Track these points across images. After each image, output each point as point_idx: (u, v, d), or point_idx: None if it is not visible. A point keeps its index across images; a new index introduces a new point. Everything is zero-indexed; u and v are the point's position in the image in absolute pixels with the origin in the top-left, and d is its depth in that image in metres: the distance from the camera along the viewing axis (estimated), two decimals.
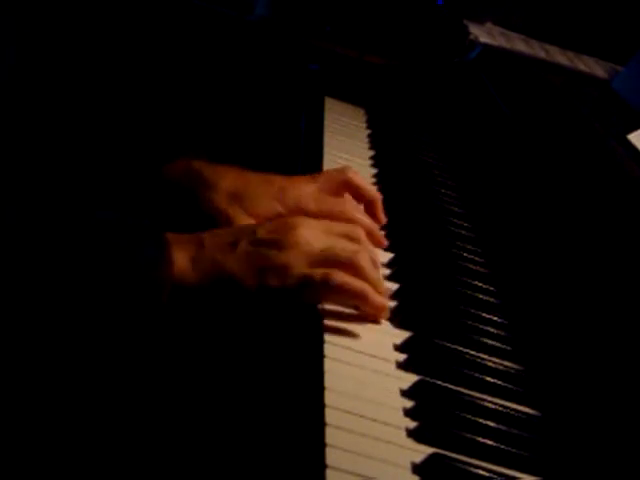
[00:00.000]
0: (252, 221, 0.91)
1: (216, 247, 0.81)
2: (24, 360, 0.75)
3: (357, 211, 0.95)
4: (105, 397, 0.82)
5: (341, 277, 0.81)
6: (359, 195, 0.98)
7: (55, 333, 0.74)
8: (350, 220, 0.93)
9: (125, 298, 0.75)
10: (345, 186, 0.97)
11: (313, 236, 0.83)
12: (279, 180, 0.95)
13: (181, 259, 0.79)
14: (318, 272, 0.80)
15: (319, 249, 0.82)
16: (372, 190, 1.00)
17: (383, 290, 0.85)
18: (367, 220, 0.95)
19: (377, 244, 0.95)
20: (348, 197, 0.97)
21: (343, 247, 0.84)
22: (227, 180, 0.93)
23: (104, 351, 0.78)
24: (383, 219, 0.99)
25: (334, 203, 0.94)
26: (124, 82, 1.32)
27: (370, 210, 0.98)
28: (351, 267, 0.82)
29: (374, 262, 0.86)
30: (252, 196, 0.92)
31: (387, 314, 0.84)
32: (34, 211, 0.78)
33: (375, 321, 0.84)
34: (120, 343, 0.78)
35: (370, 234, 0.93)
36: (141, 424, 0.83)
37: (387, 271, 0.94)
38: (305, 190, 0.94)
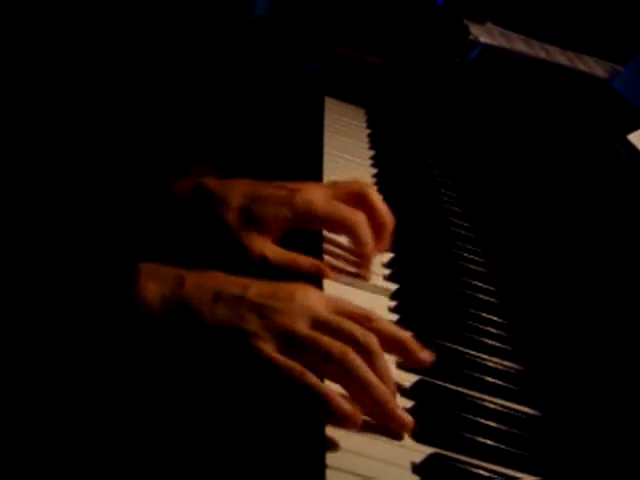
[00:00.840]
0: (263, 240, 0.88)
1: (196, 292, 0.74)
2: None
3: (363, 225, 0.90)
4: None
5: (306, 377, 0.70)
6: (372, 214, 0.92)
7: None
8: (352, 229, 0.89)
9: (90, 325, 0.72)
10: (359, 199, 0.92)
11: (305, 311, 0.73)
12: (291, 185, 0.91)
13: (151, 294, 0.73)
14: (283, 362, 0.70)
15: (304, 329, 0.72)
16: (388, 213, 0.93)
17: (377, 394, 0.71)
18: (386, 212, 0.92)
19: (364, 270, 0.91)
20: (358, 212, 0.91)
21: (340, 330, 0.73)
22: (237, 195, 0.89)
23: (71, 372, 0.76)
24: (387, 246, 0.94)
25: (347, 211, 0.89)
26: (124, 82, 1.32)
27: (378, 233, 0.92)
28: (334, 362, 0.71)
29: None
30: (261, 206, 0.89)
31: (406, 427, 0.72)
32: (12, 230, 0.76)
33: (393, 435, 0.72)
34: (89, 367, 0.75)
35: (380, 228, 0.90)
36: (140, 427, 0.83)
37: (387, 271, 0.94)
38: (317, 193, 0.90)
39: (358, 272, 0.91)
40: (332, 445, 0.68)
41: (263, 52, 1.48)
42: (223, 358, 0.73)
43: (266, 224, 0.89)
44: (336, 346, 0.71)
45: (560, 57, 1.50)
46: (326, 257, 0.93)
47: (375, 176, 1.17)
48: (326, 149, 1.18)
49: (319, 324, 0.73)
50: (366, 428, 0.71)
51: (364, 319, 0.76)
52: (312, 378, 0.70)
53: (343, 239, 0.94)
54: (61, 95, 1.16)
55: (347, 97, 1.40)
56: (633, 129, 1.10)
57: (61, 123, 1.10)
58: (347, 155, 1.20)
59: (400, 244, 0.99)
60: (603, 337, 0.83)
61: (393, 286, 0.91)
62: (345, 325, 0.73)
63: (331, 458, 0.67)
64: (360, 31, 1.52)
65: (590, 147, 1.11)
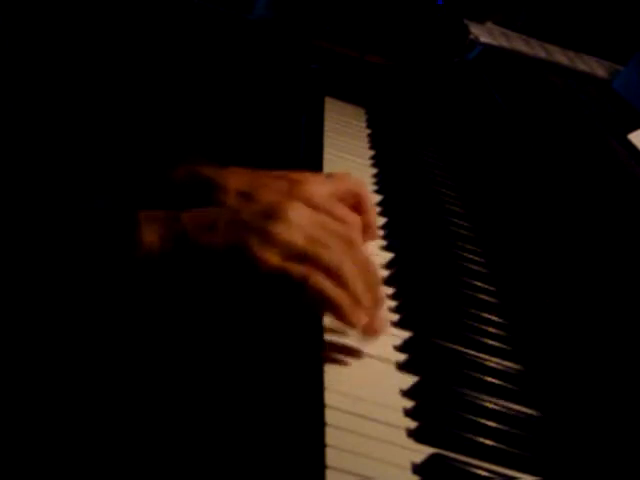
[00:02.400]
0: None
1: (192, 224, 0.77)
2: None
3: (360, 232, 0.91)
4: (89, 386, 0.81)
5: (320, 282, 0.75)
6: (364, 214, 0.94)
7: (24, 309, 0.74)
8: (362, 200, 0.93)
9: (97, 278, 0.75)
10: (355, 198, 0.94)
11: (300, 223, 0.78)
12: (289, 175, 0.93)
13: (150, 235, 0.76)
14: (295, 268, 0.75)
15: (303, 241, 0.77)
16: (373, 214, 0.96)
17: (369, 305, 0.78)
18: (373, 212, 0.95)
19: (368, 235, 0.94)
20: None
21: (332, 246, 0.78)
22: (236, 181, 0.91)
23: (82, 333, 0.77)
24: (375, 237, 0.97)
25: (343, 212, 0.90)
26: (124, 82, 1.32)
27: (366, 232, 0.94)
28: (333, 273, 0.76)
29: (372, 275, 0.80)
30: (261, 192, 0.90)
31: (374, 330, 0.79)
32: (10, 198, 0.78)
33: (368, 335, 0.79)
34: (100, 325, 0.77)
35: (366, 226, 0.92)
36: (138, 422, 0.83)
37: (387, 271, 0.94)
38: (318, 189, 0.91)
39: None
40: (332, 445, 0.68)
41: (263, 52, 1.48)
42: (231, 280, 0.76)
43: None
44: (335, 257, 0.77)
45: (560, 57, 1.50)
46: None
47: (375, 176, 1.17)
48: (326, 149, 1.18)
49: (313, 237, 0.78)
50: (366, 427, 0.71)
51: (346, 240, 0.80)
52: (326, 282, 0.75)
53: None
54: (60, 87, 1.17)
55: (347, 97, 1.40)
56: (633, 129, 1.10)
57: (66, 113, 1.10)
58: (347, 155, 1.20)
59: (400, 244, 0.99)
60: (603, 337, 0.83)
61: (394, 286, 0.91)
62: (334, 242, 0.78)
63: (331, 458, 0.67)
64: (360, 31, 1.52)
65: (590, 147, 1.11)
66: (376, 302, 0.79)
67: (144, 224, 0.77)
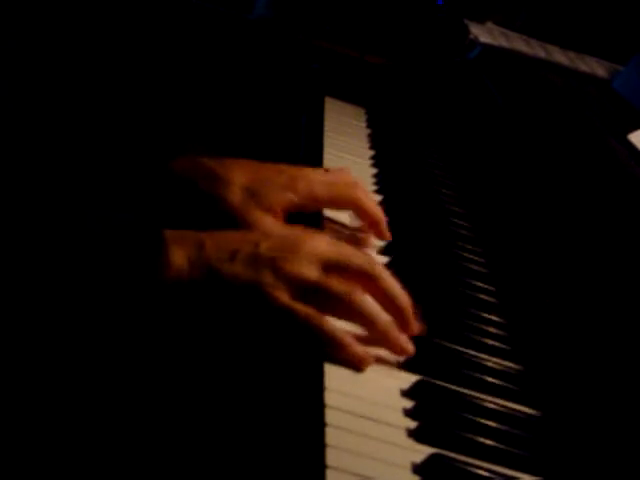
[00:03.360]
0: (268, 216, 0.90)
1: (215, 253, 0.78)
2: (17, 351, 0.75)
3: (367, 198, 0.96)
4: (100, 394, 0.82)
5: (320, 322, 0.77)
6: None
7: (46, 331, 0.74)
8: (359, 205, 0.95)
9: (120, 297, 0.75)
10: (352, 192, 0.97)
11: (314, 256, 0.79)
12: (290, 170, 0.95)
13: (179, 259, 0.77)
14: (301, 310, 0.77)
15: (315, 274, 0.78)
16: (374, 202, 0.99)
17: (384, 330, 0.79)
18: (376, 209, 0.96)
19: (379, 235, 0.97)
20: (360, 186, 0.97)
21: (350, 269, 0.80)
22: (240, 175, 0.92)
23: (100, 348, 0.78)
24: (384, 223, 0.98)
25: (347, 188, 0.95)
26: (124, 83, 1.32)
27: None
28: (343, 304, 0.78)
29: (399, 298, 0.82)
30: (265, 188, 0.91)
31: (406, 353, 0.80)
32: (25, 208, 0.78)
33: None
34: (118, 341, 0.77)
35: (375, 225, 0.95)
36: (139, 423, 0.83)
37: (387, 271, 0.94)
38: (317, 179, 0.95)
39: (362, 242, 0.97)
40: (332, 445, 0.68)
41: (263, 52, 1.48)
42: (244, 312, 0.78)
43: (269, 204, 0.91)
44: (343, 288, 0.78)
45: (560, 57, 1.50)
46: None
47: (375, 176, 1.17)
48: (326, 149, 1.18)
49: (327, 266, 0.79)
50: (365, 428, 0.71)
51: (365, 275, 0.81)
52: (328, 323, 0.77)
53: (343, 219, 0.99)
54: (63, 85, 1.17)
55: (347, 97, 1.40)
56: (633, 129, 1.10)
57: (62, 109, 1.10)
58: (347, 155, 1.20)
59: (400, 244, 0.99)
60: (603, 337, 0.83)
61: None
62: (351, 260, 0.80)
63: (331, 458, 0.67)
64: (360, 31, 1.52)
65: (590, 147, 1.11)
66: (405, 324, 0.81)
67: (173, 244, 0.77)
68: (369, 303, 0.79)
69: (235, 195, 0.90)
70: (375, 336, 0.79)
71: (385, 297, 0.81)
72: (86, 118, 1.11)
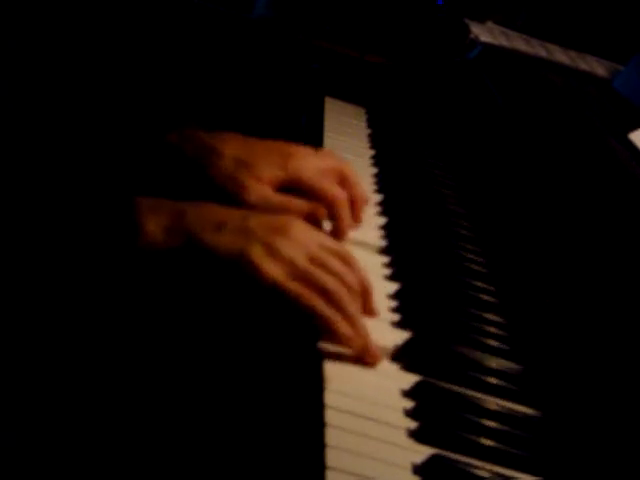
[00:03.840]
0: (260, 184, 0.91)
1: (197, 222, 0.78)
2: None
3: (342, 203, 0.96)
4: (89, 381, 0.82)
5: (314, 301, 0.77)
6: (350, 190, 0.98)
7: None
8: (333, 205, 0.95)
9: (96, 262, 0.75)
10: (341, 176, 0.98)
11: (302, 243, 0.80)
12: (282, 147, 0.97)
13: (153, 226, 0.77)
14: (293, 288, 0.77)
15: (304, 261, 0.79)
16: (360, 189, 1.00)
17: (361, 329, 0.79)
18: (347, 218, 0.97)
19: (340, 237, 0.96)
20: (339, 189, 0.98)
21: (330, 267, 0.80)
22: (232, 146, 0.93)
23: (79, 321, 0.78)
24: (360, 221, 0.99)
25: (330, 187, 0.96)
26: (125, 83, 1.32)
27: (353, 208, 0.99)
28: (328, 294, 0.78)
29: (366, 290, 0.83)
30: (256, 162, 0.93)
31: (371, 356, 0.79)
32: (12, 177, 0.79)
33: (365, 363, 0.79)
34: (98, 313, 0.78)
35: (340, 228, 0.96)
36: (140, 421, 0.83)
37: (387, 271, 0.94)
38: (308, 163, 0.96)
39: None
40: (332, 445, 0.68)
41: (263, 52, 1.48)
42: (229, 284, 0.78)
43: (260, 175, 0.92)
44: (330, 279, 0.79)
45: (561, 56, 1.50)
46: None
47: (375, 176, 1.17)
48: (326, 149, 1.18)
49: (313, 258, 0.80)
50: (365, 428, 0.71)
51: (345, 259, 0.82)
52: (320, 302, 0.77)
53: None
54: (62, 87, 1.17)
55: (347, 97, 1.40)
56: (634, 128, 1.09)
57: (59, 106, 1.11)
58: (347, 155, 1.20)
59: (400, 244, 0.99)
60: (603, 337, 0.83)
61: (394, 286, 0.91)
62: (333, 264, 0.80)
63: (331, 458, 0.67)
64: (360, 31, 1.52)
65: (591, 146, 1.10)
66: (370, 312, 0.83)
67: (148, 212, 0.77)
68: (351, 301, 0.79)
69: (226, 163, 0.91)
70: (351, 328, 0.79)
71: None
72: (86, 118, 1.11)
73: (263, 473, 0.78)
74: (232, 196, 0.90)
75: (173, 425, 0.83)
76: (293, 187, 0.95)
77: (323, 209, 0.94)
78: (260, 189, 0.92)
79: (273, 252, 0.78)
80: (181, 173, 0.92)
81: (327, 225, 0.96)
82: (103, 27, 1.33)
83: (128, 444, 0.81)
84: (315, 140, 1.21)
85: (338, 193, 0.96)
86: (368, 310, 0.84)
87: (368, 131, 1.32)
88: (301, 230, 0.82)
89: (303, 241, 0.80)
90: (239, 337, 0.84)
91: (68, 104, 1.09)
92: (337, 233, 0.96)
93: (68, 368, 0.80)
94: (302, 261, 0.79)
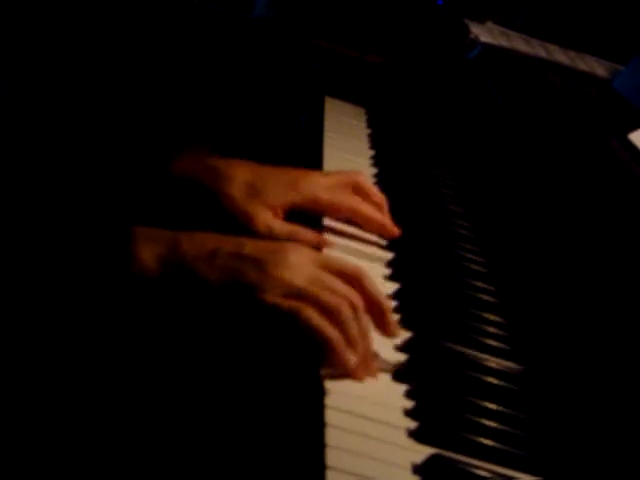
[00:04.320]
0: (269, 214, 0.91)
1: (192, 252, 0.77)
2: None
3: (365, 207, 0.97)
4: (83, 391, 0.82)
5: (312, 316, 0.74)
6: (367, 198, 0.99)
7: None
8: (357, 212, 0.96)
9: (90, 289, 0.75)
10: (354, 187, 0.98)
11: (301, 266, 0.77)
12: (293, 171, 0.97)
13: (147, 255, 0.76)
14: (287, 303, 0.75)
15: (302, 282, 0.76)
16: (379, 194, 1.00)
17: (361, 350, 0.76)
18: (377, 215, 0.98)
19: (387, 233, 0.98)
20: (357, 198, 0.99)
21: (332, 288, 0.77)
22: (242, 173, 0.93)
23: (73, 340, 0.78)
24: (389, 222, 0.99)
25: (346, 197, 0.96)
26: (125, 83, 1.32)
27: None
28: (330, 313, 0.75)
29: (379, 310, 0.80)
30: (268, 186, 0.92)
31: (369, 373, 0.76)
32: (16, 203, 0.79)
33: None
34: (91, 333, 0.78)
35: (381, 227, 0.97)
36: (141, 421, 0.83)
37: (387, 271, 0.94)
38: (320, 181, 0.96)
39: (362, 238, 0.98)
40: (332, 445, 0.68)
41: (263, 52, 1.48)
42: (224, 310, 0.77)
43: (271, 202, 0.92)
44: (333, 298, 0.76)
45: (561, 56, 1.50)
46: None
47: (375, 176, 1.17)
48: (326, 149, 1.18)
49: (313, 280, 0.77)
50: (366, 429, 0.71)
51: (352, 277, 0.79)
52: (319, 319, 0.74)
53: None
54: (63, 84, 1.17)
55: (347, 97, 1.40)
56: (634, 128, 1.09)
57: (67, 110, 1.11)
58: (347, 155, 1.20)
59: (400, 244, 0.99)
60: (603, 336, 0.83)
61: (394, 286, 0.91)
62: (335, 284, 0.77)
63: (331, 458, 0.67)
64: (360, 31, 1.52)
65: (591, 146, 1.10)
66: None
67: (141, 241, 0.77)
68: (354, 321, 0.76)
69: (237, 190, 0.91)
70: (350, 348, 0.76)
71: (368, 302, 0.79)
72: (87, 117, 1.11)
73: (263, 473, 0.78)
74: (241, 225, 0.90)
75: (173, 425, 0.83)
76: (308, 209, 0.95)
77: (327, 241, 0.93)
78: (269, 220, 0.91)
79: (267, 276, 0.75)
80: (190, 200, 0.92)
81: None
82: (103, 27, 1.33)
83: (129, 444, 0.82)
84: (315, 140, 1.21)
85: (357, 202, 0.97)
86: (382, 326, 0.80)
87: (368, 131, 1.32)
88: (299, 252, 0.79)
89: (301, 263, 0.77)
90: (240, 337, 0.84)
91: (65, 117, 1.09)
92: (379, 232, 0.98)
93: (64, 389, 0.80)
94: (300, 281, 0.76)
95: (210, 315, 0.79)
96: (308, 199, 0.94)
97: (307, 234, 0.93)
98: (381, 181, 1.16)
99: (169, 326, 0.80)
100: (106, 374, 0.81)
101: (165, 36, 1.42)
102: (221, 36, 1.47)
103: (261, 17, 1.52)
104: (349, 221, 0.99)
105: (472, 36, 1.45)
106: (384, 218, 0.99)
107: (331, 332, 0.74)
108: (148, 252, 0.77)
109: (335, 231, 0.97)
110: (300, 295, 0.75)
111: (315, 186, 0.95)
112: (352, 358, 0.75)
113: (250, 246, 0.78)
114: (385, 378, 0.78)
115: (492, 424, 0.75)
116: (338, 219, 0.98)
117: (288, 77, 1.47)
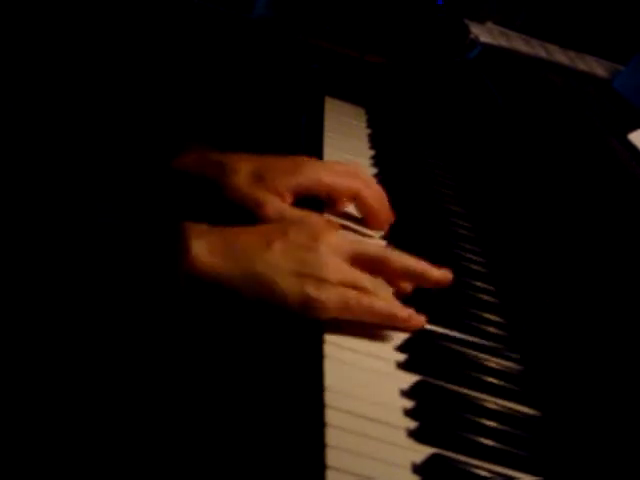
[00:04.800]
0: (277, 198, 0.92)
1: (248, 243, 0.79)
2: (24, 358, 0.75)
3: (366, 192, 0.99)
4: (109, 393, 0.82)
5: (374, 303, 0.81)
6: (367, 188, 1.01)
7: (61, 334, 0.74)
8: (359, 197, 0.98)
9: (138, 291, 0.75)
10: (355, 178, 1.00)
11: (339, 246, 0.83)
12: (296, 158, 0.98)
13: (203, 250, 0.77)
14: (353, 297, 0.80)
15: (346, 269, 0.82)
16: (378, 186, 1.01)
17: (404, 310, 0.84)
18: (376, 202, 0.99)
19: (384, 222, 1.00)
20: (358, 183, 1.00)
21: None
22: (246, 164, 0.93)
23: (115, 345, 0.77)
24: (391, 216, 1.01)
25: (348, 180, 0.98)
26: (125, 83, 1.32)
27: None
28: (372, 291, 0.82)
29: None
30: (272, 173, 0.93)
31: (417, 320, 0.84)
32: (34, 207, 0.78)
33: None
34: (136, 334, 0.77)
35: (373, 217, 0.99)
36: (141, 422, 0.83)
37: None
38: (323, 166, 0.98)
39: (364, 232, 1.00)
40: (332, 445, 0.68)
41: (263, 52, 1.48)
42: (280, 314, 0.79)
43: (277, 187, 0.93)
44: (369, 282, 0.82)
45: (561, 56, 1.50)
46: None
47: (375, 176, 1.17)
48: (326, 149, 1.18)
49: (351, 259, 0.83)
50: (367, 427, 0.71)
51: (379, 261, 0.85)
52: (378, 302, 0.81)
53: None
54: (64, 84, 1.17)
55: (347, 97, 1.40)
56: (634, 129, 1.09)
57: (62, 109, 1.11)
58: (347, 155, 1.20)
59: (400, 244, 0.99)
60: (603, 337, 0.83)
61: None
62: (367, 250, 0.85)
63: (331, 458, 0.67)
64: (360, 31, 1.52)
65: (590, 147, 1.10)
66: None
67: (194, 237, 0.78)
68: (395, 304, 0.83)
69: (242, 180, 0.92)
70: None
71: (403, 274, 0.86)
72: (88, 117, 1.11)
73: (263, 473, 0.78)
74: (250, 213, 0.91)
75: (173, 425, 0.83)
76: (311, 193, 0.96)
77: (338, 224, 0.95)
78: (277, 204, 0.92)
79: (325, 285, 0.79)
80: (198, 197, 0.92)
81: None
82: (102, 27, 1.34)
83: (129, 444, 0.82)
84: (315, 140, 1.21)
85: (358, 186, 0.98)
86: (431, 284, 0.88)
87: (368, 131, 1.32)
88: (331, 231, 0.85)
89: (339, 246, 0.83)
90: (241, 337, 0.84)
91: (66, 117, 1.09)
92: (372, 223, 0.99)
93: (81, 376, 0.80)
94: (350, 275, 0.81)
95: (210, 315, 0.79)
96: (312, 181, 0.95)
97: (317, 217, 0.94)
98: (381, 181, 1.15)
99: (170, 327, 0.80)
100: (117, 371, 0.81)
101: (166, 36, 1.42)
102: (221, 36, 1.47)
103: (261, 17, 1.52)
104: (348, 222, 0.99)
105: (472, 36, 1.45)
106: (383, 206, 1.00)
107: (388, 307, 0.82)
108: (203, 248, 0.77)
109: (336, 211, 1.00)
110: (352, 280, 0.81)
111: (318, 170, 0.97)
112: (407, 313, 0.83)
113: (292, 231, 0.82)
114: (385, 378, 0.78)
115: (492, 424, 0.75)
116: (338, 212, 1.00)
117: (288, 77, 1.47)
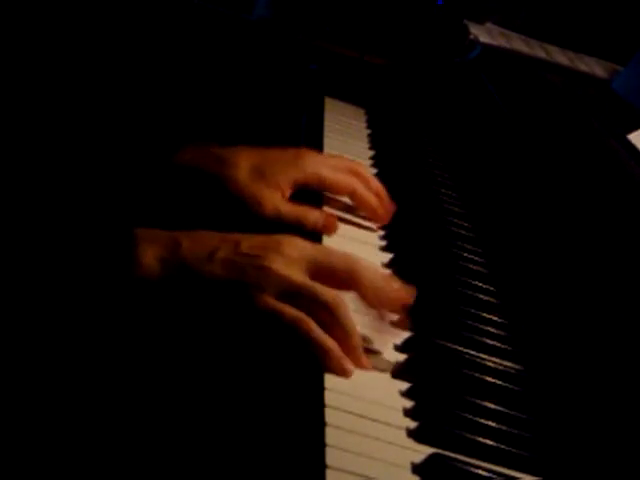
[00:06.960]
0: (276, 193, 0.93)
1: (193, 252, 0.77)
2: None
3: (365, 189, 0.99)
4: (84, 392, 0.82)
5: (311, 329, 0.75)
6: (366, 185, 1.01)
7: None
8: (356, 192, 0.98)
9: (92, 292, 0.75)
10: (354, 174, 1.01)
11: (297, 258, 0.78)
12: (296, 150, 0.99)
13: (149, 258, 0.76)
14: (288, 313, 0.75)
15: (299, 276, 0.77)
16: (377, 183, 1.02)
17: (356, 345, 0.77)
18: (374, 198, 1.00)
19: (382, 217, 1.00)
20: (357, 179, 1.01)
21: (334, 274, 0.79)
22: (247, 158, 0.94)
23: (75, 343, 0.78)
24: (389, 211, 1.02)
25: (347, 176, 0.98)
26: (125, 84, 1.32)
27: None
28: (326, 311, 0.76)
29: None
30: (272, 167, 0.94)
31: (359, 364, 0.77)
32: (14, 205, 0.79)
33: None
34: (92, 336, 0.78)
35: (372, 213, 1.00)
36: (141, 423, 0.83)
37: (387, 271, 0.94)
38: (323, 160, 0.99)
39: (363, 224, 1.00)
40: (332, 445, 0.68)
41: (263, 52, 1.48)
42: (225, 313, 0.77)
43: (277, 182, 0.93)
44: (330, 295, 0.76)
45: (560, 57, 1.50)
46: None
47: (375, 176, 1.17)
48: (326, 149, 1.18)
49: (310, 269, 0.78)
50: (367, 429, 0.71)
51: (345, 272, 0.79)
52: (317, 329, 0.75)
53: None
54: (64, 85, 1.17)
55: (347, 97, 1.40)
56: (633, 129, 1.10)
57: (68, 110, 1.11)
58: (347, 155, 1.19)
59: (400, 244, 0.99)
60: (603, 337, 0.83)
61: None
62: (332, 263, 0.79)
63: (331, 458, 0.67)
64: (360, 31, 1.52)
65: (590, 147, 1.11)
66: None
67: (143, 243, 0.77)
68: (350, 317, 0.77)
69: (243, 174, 0.92)
70: (343, 350, 0.76)
71: (371, 297, 0.80)
72: (88, 117, 1.11)
73: (263, 473, 0.78)
74: (249, 210, 0.91)
75: (173, 425, 0.83)
76: (311, 187, 0.97)
77: (336, 219, 0.96)
78: (277, 203, 0.92)
79: (266, 275, 0.76)
80: (196, 190, 0.92)
81: None
82: (103, 27, 1.34)
83: (128, 443, 0.82)
84: (315, 140, 1.21)
85: (357, 183, 0.98)
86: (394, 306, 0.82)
87: (368, 131, 1.32)
88: (296, 244, 0.79)
89: (299, 254, 0.78)
90: (239, 337, 0.84)
91: (66, 117, 1.09)
92: (370, 218, 1.00)
93: (63, 389, 0.80)
94: (300, 277, 0.77)
95: (211, 315, 0.79)
96: (311, 175, 0.96)
97: (315, 214, 0.95)
98: (381, 181, 1.16)
99: (171, 327, 0.80)
100: (106, 375, 0.81)
101: (165, 37, 1.42)
102: (221, 37, 1.47)
103: (261, 18, 1.52)
104: (347, 215, 1.01)
105: (472, 37, 1.45)
106: (382, 202, 1.01)
107: (329, 343, 0.75)
108: (149, 254, 0.76)
109: (336, 200, 1.01)
110: (296, 293, 0.76)
111: (318, 164, 0.97)
112: (349, 366, 0.76)
113: (246, 243, 0.78)
114: (385, 378, 0.78)
115: (492, 424, 0.75)
116: (337, 208, 1.00)
117: (288, 78, 1.47)
